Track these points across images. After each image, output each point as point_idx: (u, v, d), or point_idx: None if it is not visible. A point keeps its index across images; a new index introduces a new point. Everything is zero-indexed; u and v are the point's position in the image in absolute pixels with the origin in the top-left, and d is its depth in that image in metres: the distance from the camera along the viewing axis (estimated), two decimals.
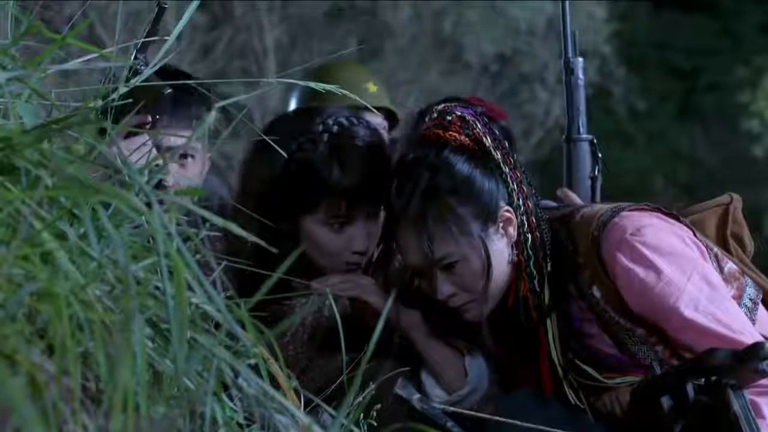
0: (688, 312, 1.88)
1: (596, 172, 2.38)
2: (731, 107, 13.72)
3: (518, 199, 1.98)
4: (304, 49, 10.81)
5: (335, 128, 1.97)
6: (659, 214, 1.99)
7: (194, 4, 1.32)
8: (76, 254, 0.98)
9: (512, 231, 1.98)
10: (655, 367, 1.85)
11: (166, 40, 1.34)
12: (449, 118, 1.98)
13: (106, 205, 1.01)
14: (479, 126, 1.97)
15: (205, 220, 1.00)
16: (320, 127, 1.97)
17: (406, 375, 2.00)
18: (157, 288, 1.04)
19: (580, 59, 2.45)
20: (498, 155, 1.97)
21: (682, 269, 1.91)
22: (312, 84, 1.54)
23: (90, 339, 0.94)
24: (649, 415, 1.84)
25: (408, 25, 11.96)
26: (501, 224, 1.97)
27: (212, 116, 1.19)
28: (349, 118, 2.00)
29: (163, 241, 0.93)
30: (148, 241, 1.08)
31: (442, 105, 2.01)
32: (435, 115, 2.00)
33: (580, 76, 2.44)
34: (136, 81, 1.30)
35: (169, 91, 2.02)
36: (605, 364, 2.02)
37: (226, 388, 1.10)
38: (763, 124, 13.76)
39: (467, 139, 1.97)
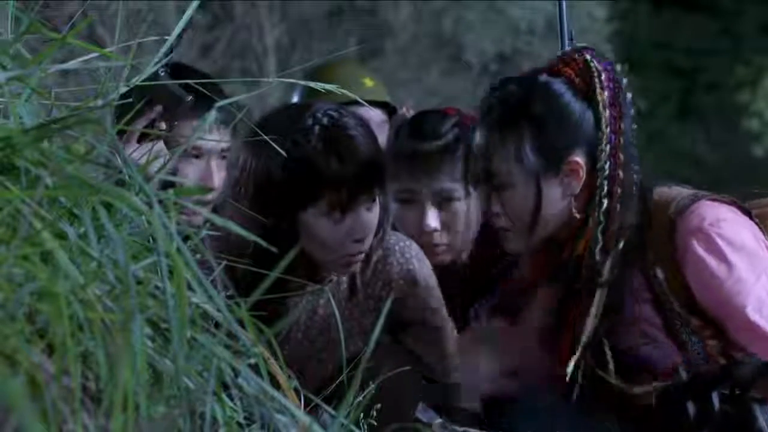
0: (753, 314, 1.85)
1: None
2: (731, 107, 13.72)
3: (605, 162, 1.91)
4: (304, 49, 10.81)
5: (325, 120, 1.97)
6: (735, 208, 1.96)
7: (194, 4, 1.32)
8: (76, 254, 0.98)
9: (575, 185, 1.93)
10: (682, 373, 1.84)
11: (166, 39, 1.34)
12: (577, 57, 1.96)
13: (107, 205, 1.01)
14: (603, 77, 1.93)
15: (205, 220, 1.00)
16: (310, 121, 1.98)
17: (408, 377, 2.00)
18: (157, 288, 1.04)
19: None
20: (607, 113, 1.92)
21: (753, 268, 1.88)
22: (312, 84, 1.54)
23: (90, 339, 0.94)
24: (672, 420, 1.82)
25: (408, 25, 11.95)
26: (565, 173, 1.93)
27: (212, 116, 1.19)
28: (337, 110, 2.01)
29: (163, 240, 0.93)
30: (148, 241, 1.08)
31: (582, 46, 2.00)
32: (566, 51, 2.00)
33: None
34: (136, 80, 1.30)
35: (190, 98, 2.02)
36: (634, 361, 1.95)
37: (226, 387, 1.10)
38: (763, 123, 13.76)
39: (580, 79, 1.94)
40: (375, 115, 2.86)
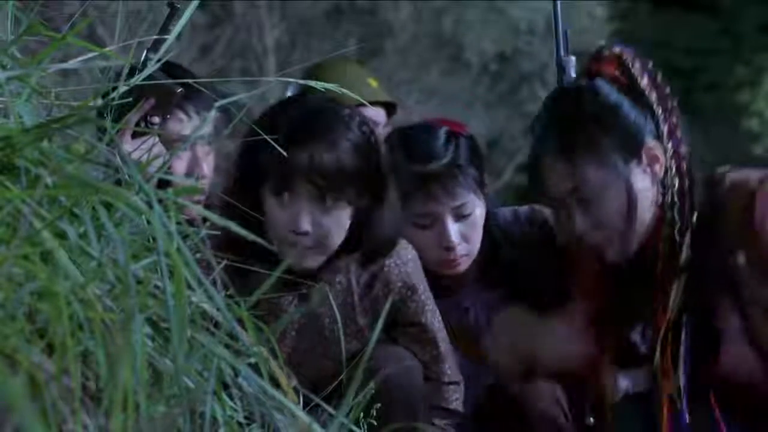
0: None
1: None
2: (731, 107, 13.72)
3: (669, 142, 1.92)
4: (304, 49, 10.81)
5: (297, 103, 1.98)
6: None
7: (194, 4, 1.32)
8: (76, 253, 0.98)
9: (659, 169, 1.92)
10: None
11: (167, 39, 1.34)
12: (607, 53, 1.97)
13: (106, 205, 1.01)
14: (638, 65, 1.95)
15: (204, 219, 1.00)
16: (295, 102, 1.98)
17: (411, 374, 2.00)
18: (156, 287, 1.04)
19: (572, 58, 2.44)
20: (653, 96, 1.93)
21: None
22: (312, 83, 1.54)
23: (90, 338, 0.94)
24: None
25: (408, 25, 11.95)
26: (646, 161, 1.92)
27: (212, 115, 1.19)
28: (360, 118, 2.00)
29: (163, 240, 0.93)
30: (148, 240, 1.08)
31: (606, 44, 2.01)
32: (596, 51, 1.99)
33: (573, 75, 2.44)
34: (136, 79, 1.30)
35: (180, 90, 2.02)
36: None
37: (225, 387, 1.10)
38: (762, 123, 13.77)
39: (620, 74, 1.95)
40: (376, 115, 2.87)
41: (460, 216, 2.24)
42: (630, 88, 1.94)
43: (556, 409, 2.15)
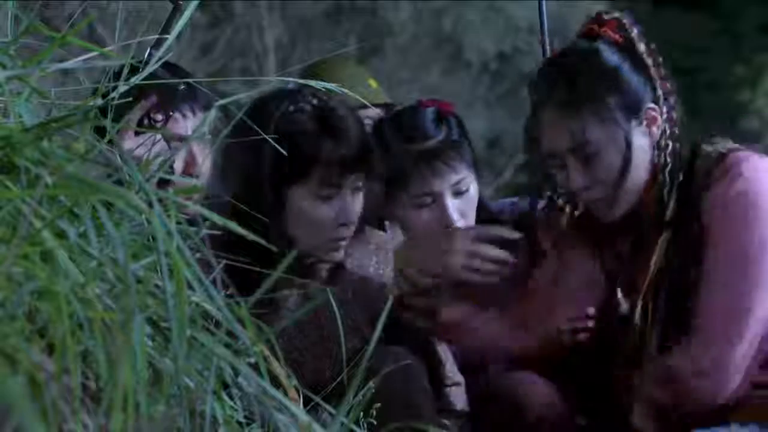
0: None
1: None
2: (731, 106, 13.72)
3: (664, 106, 1.97)
4: (304, 48, 10.81)
5: (315, 101, 1.99)
6: None
7: (194, 3, 1.32)
8: (76, 253, 0.98)
9: (656, 131, 1.97)
10: None
11: (166, 38, 1.34)
12: (606, 17, 2.00)
13: (106, 204, 1.01)
14: (636, 31, 1.99)
15: (205, 219, 1.00)
16: (300, 101, 1.99)
17: (410, 374, 2.00)
18: (157, 286, 1.04)
19: None
20: (650, 62, 1.98)
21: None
22: (312, 82, 1.54)
23: (90, 338, 0.94)
24: None
25: (408, 24, 11.95)
26: (645, 121, 1.96)
27: (212, 115, 1.19)
28: (324, 95, 2.02)
29: (163, 239, 0.93)
30: (148, 240, 1.08)
31: (604, 10, 2.05)
32: (593, 15, 2.03)
33: None
34: (136, 79, 1.30)
35: (182, 87, 2.03)
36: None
37: (226, 386, 1.10)
38: (763, 122, 13.77)
39: (621, 38, 1.98)
40: (377, 116, 2.87)
41: (458, 192, 2.25)
42: (629, 51, 1.97)
43: (553, 411, 2.16)
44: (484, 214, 2.34)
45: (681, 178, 1.96)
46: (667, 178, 1.95)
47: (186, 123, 2.30)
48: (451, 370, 2.15)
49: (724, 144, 1.99)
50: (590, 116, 1.92)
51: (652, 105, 1.96)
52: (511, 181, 11.35)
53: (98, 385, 0.95)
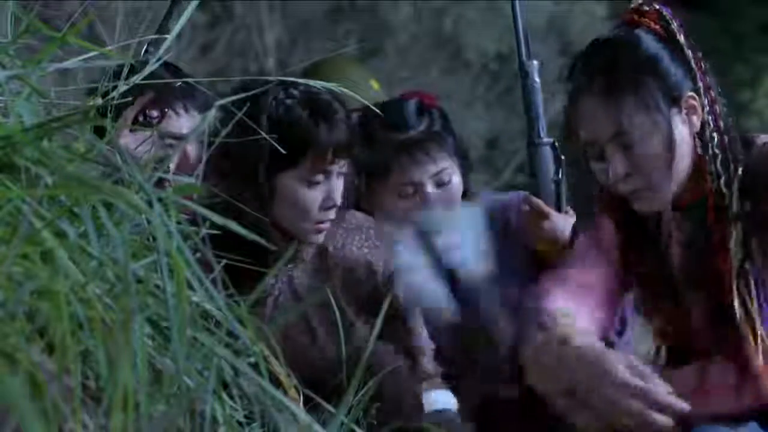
0: None
1: (560, 176, 2.35)
2: (731, 106, 13.71)
3: (705, 98, 1.95)
4: (304, 48, 10.81)
5: (301, 87, 2.01)
6: None
7: (194, 3, 1.32)
8: (76, 253, 0.98)
9: (696, 121, 1.95)
10: None
11: (166, 38, 1.34)
12: (647, 8, 1.99)
13: (107, 204, 1.01)
14: (675, 24, 1.98)
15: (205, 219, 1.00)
16: (289, 87, 2.01)
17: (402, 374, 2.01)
18: (157, 286, 1.04)
19: (535, 62, 2.45)
20: (690, 53, 1.97)
21: None
22: (312, 82, 1.54)
23: (90, 337, 0.94)
24: None
25: (408, 24, 11.95)
26: (685, 110, 1.94)
27: (212, 114, 1.19)
28: (307, 86, 2.04)
29: (164, 239, 0.93)
30: (148, 240, 1.08)
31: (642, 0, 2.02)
32: (632, 5, 2.01)
33: (536, 79, 2.43)
34: (136, 78, 1.30)
35: (179, 84, 2.04)
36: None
37: (226, 386, 1.10)
38: (763, 122, 13.76)
39: (661, 29, 1.97)
40: None
41: (440, 183, 2.26)
42: (670, 42, 1.96)
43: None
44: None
45: (740, 171, 1.93)
46: (720, 170, 1.92)
47: (180, 121, 2.31)
48: (429, 363, 2.15)
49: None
50: (632, 103, 1.90)
51: (692, 93, 1.94)
52: (510, 181, 11.35)
53: (98, 385, 0.95)
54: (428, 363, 2.15)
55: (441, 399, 2.12)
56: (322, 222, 2.05)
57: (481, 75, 12.26)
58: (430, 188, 2.26)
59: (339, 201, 2.05)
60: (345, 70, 2.87)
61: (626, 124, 1.90)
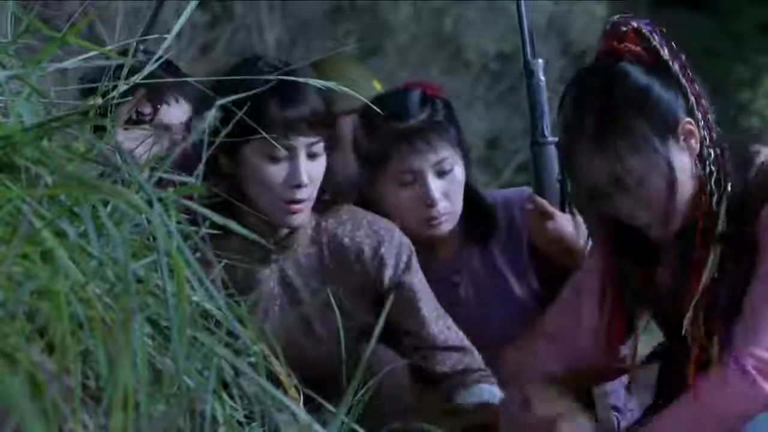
0: None
1: (564, 175, 2.34)
2: (731, 106, 13.72)
3: (698, 112, 1.92)
4: (304, 48, 10.81)
5: (280, 64, 2.00)
6: None
7: (193, 3, 1.32)
8: (76, 252, 0.98)
9: (695, 143, 1.91)
10: None
11: (166, 37, 1.34)
12: (624, 29, 1.94)
13: (106, 203, 1.01)
14: (656, 38, 1.93)
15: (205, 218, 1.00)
16: (261, 64, 2.00)
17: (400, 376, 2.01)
18: (157, 286, 1.04)
19: (540, 61, 2.44)
20: (676, 67, 1.92)
21: None
22: (313, 81, 1.54)
23: (90, 337, 0.94)
24: None
25: (408, 24, 11.95)
26: (683, 137, 1.91)
27: (212, 114, 1.19)
28: (286, 66, 2.03)
29: (164, 239, 0.93)
30: (148, 239, 1.08)
31: (618, 17, 1.97)
32: (610, 27, 1.97)
33: (541, 77, 2.42)
34: (136, 78, 1.30)
35: (171, 80, 2.04)
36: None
37: (226, 386, 1.10)
38: (763, 122, 13.76)
39: (643, 50, 1.93)
40: None
41: (441, 172, 2.26)
42: (655, 64, 1.92)
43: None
44: (473, 201, 2.35)
45: (730, 187, 1.92)
46: (714, 188, 1.91)
47: (171, 112, 2.31)
48: (444, 333, 2.15)
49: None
50: (626, 148, 1.88)
51: (687, 119, 1.91)
52: (510, 181, 11.35)
53: (98, 384, 0.95)
54: (441, 333, 2.13)
55: (487, 391, 2.13)
56: (291, 202, 2.02)
57: (482, 75, 12.26)
58: (431, 177, 2.25)
59: (304, 180, 2.01)
60: (346, 70, 2.87)
61: (622, 170, 1.88)
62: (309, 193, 2.04)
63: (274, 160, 2.01)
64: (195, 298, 1.05)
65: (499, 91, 12.08)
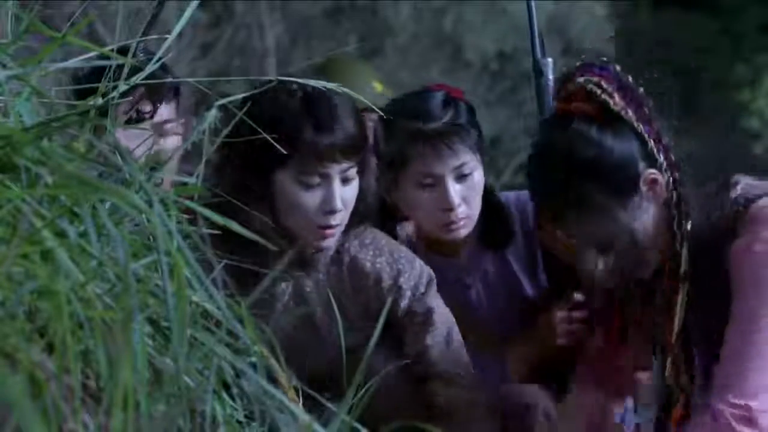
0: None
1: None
2: (731, 106, 13.71)
3: (660, 156, 1.90)
4: (304, 48, 10.81)
5: (310, 88, 1.97)
6: None
7: (194, 3, 1.32)
8: (76, 252, 0.98)
9: (659, 190, 1.90)
10: None
11: (167, 38, 1.34)
12: (571, 87, 1.92)
13: (106, 203, 1.01)
14: (605, 86, 1.89)
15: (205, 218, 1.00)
16: (295, 87, 1.97)
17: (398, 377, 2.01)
18: (157, 286, 1.04)
19: (549, 60, 2.43)
20: (630, 113, 1.89)
21: None
22: (313, 82, 1.54)
23: (90, 337, 0.94)
24: None
25: (408, 24, 11.95)
26: (646, 188, 1.90)
27: (212, 114, 1.19)
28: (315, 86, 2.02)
29: (164, 239, 0.93)
30: (149, 239, 1.08)
31: (567, 72, 1.95)
32: (559, 85, 1.96)
33: (550, 77, 2.42)
34: (136, 78, 1.30)
35: (170, 79, 2.04)
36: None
37: (226, 386, 1.10)
38: (763, 122, 13.76)
39: (593, 108, 1.90)
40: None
41: (461, 176, 2.24)
42: (607, 119, 1.89)
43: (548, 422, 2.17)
44: (492, 206, 2.34)
45: (689, 226, 1.91)
46: (677, 232, 1.91)
47: (161, 109, 2.31)
48: (454, 362, 2.15)
49: (744, 186, 1.93)
50: (586, 219, 1.89)
51: (649, 170, 1.89)
52: (510, 182, 11.35)
53: (98, 384, 0.95)
54: (438, 389, 2.13)
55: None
56: (324, 227, 2.01)
57: (482, 75, 12.26)
58: (450, 181, 2.24)
59: (338, 206, 1.99)
60: (347, 71, 2.86)
61: (586, 238, 1.90)
62: (342, 217, 2.02)
63: (308, 186, 1.98)
64: (195, 298, 1.05)
65: (499, 91, 12.08)
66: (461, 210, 2.24)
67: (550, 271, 2.36)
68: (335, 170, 1.99)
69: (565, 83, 1.94)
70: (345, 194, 2.00)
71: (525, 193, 2.45)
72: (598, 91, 1.89)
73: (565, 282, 2.24)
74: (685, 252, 1.91)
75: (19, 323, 0.90)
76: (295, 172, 1.96)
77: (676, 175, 1.91)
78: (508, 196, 2.44)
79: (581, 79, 1.90)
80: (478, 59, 12.31)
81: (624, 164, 1.89)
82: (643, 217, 1.90)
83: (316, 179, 1.98)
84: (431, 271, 2.15)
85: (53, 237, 0.95)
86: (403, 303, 2.10)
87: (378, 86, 2.93)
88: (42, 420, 0.83)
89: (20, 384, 0.82)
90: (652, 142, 1.90)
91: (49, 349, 0.91)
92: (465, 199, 2.25)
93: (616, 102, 1.89)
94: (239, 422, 1.14)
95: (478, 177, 2.27)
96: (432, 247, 2.31)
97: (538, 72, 2.43)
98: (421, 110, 2.26)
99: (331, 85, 1.59)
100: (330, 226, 2.00)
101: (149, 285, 1.03)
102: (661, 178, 1.90)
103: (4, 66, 1.14)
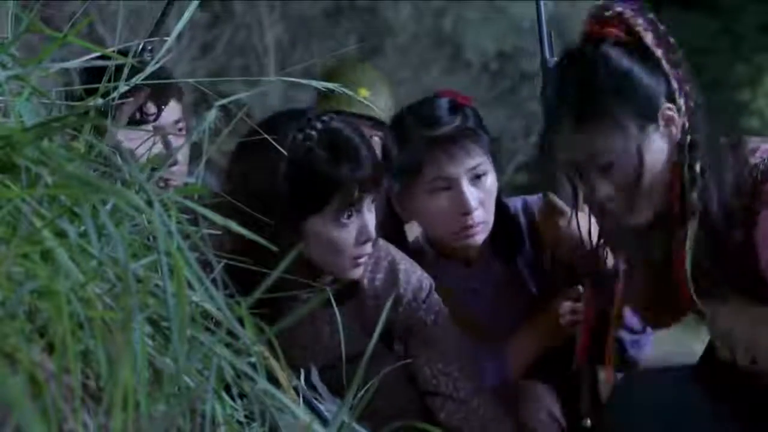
0: None
1: (545, 154, 2.34)
2: (731, 105, 13.71)
3: (681, 99, 1.92)
4: (305, 48, 10.81)
5: (319, 124, 1.96)
6: None
7: (194, 3, 1.32)
8: (76, 252, 0.98)
9: (675, 131, 1.92)
10: None
11: (167, 38, 1.34)
12: (608, 13, 1.93)
13: (106, 203, 1.01)
14: (641, 21, 1.92)
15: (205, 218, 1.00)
16: (304, 127, 1.96)
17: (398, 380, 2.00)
18: (157, 286, 1.04)
19: (555, 60, 2.43)
20: (659, 52, 1.91)
21: None
22: (313, 82, 1.54)
23: (90, 337, 0.94)
24: None
25: (408, 24, 11.96)
26: (662, 124, 1.91)
27: (212, 114, 1.19)
28: (326, 116, 2.00)
29: (164, 239, 0.93)
30: (149, 239, 1.08)
31: (603, 1, 1.96)
32: (594, 11, 1.95)
33: None
34: (137, 79, 1.30)
35: (170, 80, 2.04)
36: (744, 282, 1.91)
37: (226, 386, 1.10)
38: (763, 122, 13.76)
39: (627, 35, 1.92)
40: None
41: (475, 177, 2.24)
42: (637, 48, 1.91)
43: (551, 420, 2.16)
44: (501, 213, 2.33)
45: (715, 182, 1.92)
46: (687, 174, 1.91)
47: (168, 110, 2.31)
48: (456, 383, 2.14)
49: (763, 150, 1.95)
50: (602, 131, 1.89)
51: (668, 105, 1.91)
52: (511, 181, 11.36)
53: (98, 384, 0.95)
54: (438, 405, 2.12)
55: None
56: (358, 257, 2.00)
57: (482, 75, 12.27)
58: (465, 183, 2.23)
59: (373, 234, 1.98)
60: (335, 76, 2.85)
61: (596, 151, 1.90)
62: (373, 243, 2.03)
63: (343, 224, 1.97)
64: (195, 298, 1.05)
65: (499, 91, 12.09)
66: (477, 214, 2.23)
67: (553, 270, 2.35)
68: (366, 201, 1.99)
69: (599, 9, 1.95)
70: (373, 219, 2.00)
71: (532, 198, 2.45)
72: (635, 22, 1.92)
73: (567, 280, 2.24)
74: (694, 196, 1.91)
75: (19, 323, 0.90)
76: (331, 214, 1.96)
77: (693, 120, 1.93)
78: (516, 203, 2.43)
79: (619, 8, 1.93)
80: (477, 59, 12.31)
81: (647, 93, 1.90)
82: (655, 150, 1.91)
83: (351, 214, 1.98)
84: (431, 281, 2.14)
85: (53, 237, 0.95)
86: (400, 318, 2.10)
87: (362, 91, 2.91)
88: (42, 420, 0.83)
89: (20, 384, 0.82)
90: (675, 83, 1.92)
91: (49, 349, 0.91)
92: (481, 203, 2.24)
93: (648, 38, 1.92)
94: (239, 422, 1.14)
95: (491, 180, 2.26)
96: (443, 252, 2.30)
97: (546, 71, 2.43)
98: (430, 117, 2.26)
99: (331, 85, 1.59)
100: (364, 255, 2.01)
101: (149, 285, 1.03)
102: (678, 119, 1.92)
103: (4, 66, 1.14)
